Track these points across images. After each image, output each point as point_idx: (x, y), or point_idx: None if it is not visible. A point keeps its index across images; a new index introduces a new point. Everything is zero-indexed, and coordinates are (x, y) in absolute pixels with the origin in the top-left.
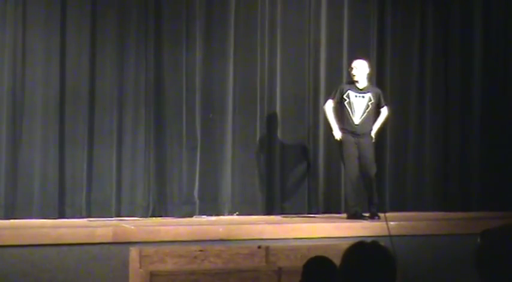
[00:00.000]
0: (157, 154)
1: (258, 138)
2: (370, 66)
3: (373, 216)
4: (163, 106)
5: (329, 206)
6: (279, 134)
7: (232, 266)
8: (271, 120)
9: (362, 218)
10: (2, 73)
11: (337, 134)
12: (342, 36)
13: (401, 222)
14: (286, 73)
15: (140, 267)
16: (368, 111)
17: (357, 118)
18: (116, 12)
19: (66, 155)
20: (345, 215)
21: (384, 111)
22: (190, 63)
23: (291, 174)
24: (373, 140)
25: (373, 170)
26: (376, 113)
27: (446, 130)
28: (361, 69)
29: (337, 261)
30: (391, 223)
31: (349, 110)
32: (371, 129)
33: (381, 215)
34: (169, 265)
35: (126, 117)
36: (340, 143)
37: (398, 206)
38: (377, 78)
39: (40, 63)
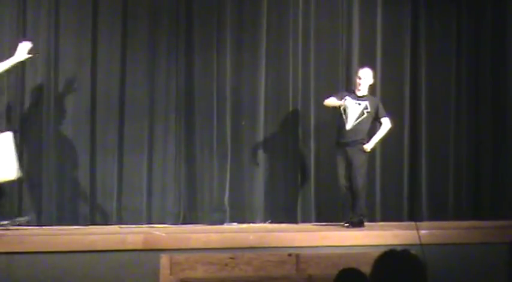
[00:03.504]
0: (188, 161)
1: (290, 146)
2: (374, 76)
3: (352, 225)
4: (194, 113)
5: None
6: (312, 141)
7: (263, 274)
8: (304, 128)
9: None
10: (36, 79)
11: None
12: (375, 43)
13: (433, 231)
14: (319, 80)
15: (171, 274)
16: (362, 119)
17: (349, 124)
18: (147, 19)
19: (97, 162)
20: (375, 223)
21: (385, 123)
22: (222, 71)
23: (324, 182)
24: (367, 151)
25: (358, 179)
26: (373, 124)
27: (480, 137)
28: (367, 79)
29: (367, 269)
30: (422, 232)
31: (343, 116)
32: (362, 138)
33: (412, 223)
34: (199, 272)
35: (156, 124)
36: None
37: (434, 214)
38: (411, 85)
39: (72, 70)
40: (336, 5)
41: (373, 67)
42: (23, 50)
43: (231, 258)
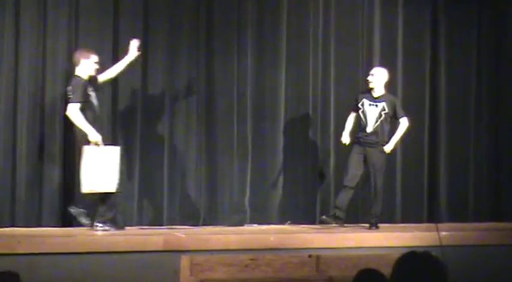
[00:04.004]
0: (208, 163)
1: (310, 147)
2: (389, 75)
3: (371, 227)
4: (215, 114)
5: (382, 215)
6: (331, 143)
7: (283, 275)
8: (323, 129)
9: (336, 222)
10: (56, 82)
11: (345, 139)
12: (396, 45)
13: (453, 232)
14: (339, 82)
15: (191, 275)
16: (381, 121)
17: (369, 127)
18: (168, 20)
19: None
20: (396, 225)
21: (403, 122)
22: (242, 72)
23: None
24: (387, 152)
25: (379, 181)
26: (392, 123)
27: (499, 139)
28: (377, 77)
29: (388, 271)
30: (443, 233)
31: (363, 118)
32: (383, 140)
33: (432, 225)
34: (220, 273)
35: (177, 126)
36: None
37: (454, 216)
38: (430, 88)
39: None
40: (356, 7)
41: (393, 68)
42: (133, 48)
43: (251, 259)
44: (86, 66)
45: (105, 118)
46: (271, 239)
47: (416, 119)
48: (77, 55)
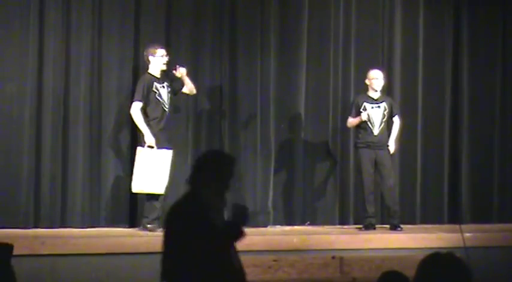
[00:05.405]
0: None
1: (330, 148)
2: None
3: (394, 228)
4: (238, 115)
5: (403, 217)
6: (351, 144)
7: (307, 276)
8: (344, 130)
9: (374, 228)
10: (79, 83)
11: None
12: (417, 46)
13: (477, 234)
14: (359, 83)
15: None
16: (385, 121)
17: (376, 129)
18: (191, 22)
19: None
20: (419, 226)
21: (396, 121)
22: (265, 73)
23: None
24: (391, 152)
25: (391, 180)
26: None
27: None
28: (381, 80)
29: (412, 272)
30: (467, 234)
31: (369, 122)
32: (387, 141)
33: (454, 226)
34: None
35: (201, 125)
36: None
37: (477, 217)
38: (452, 88)
39: (114, 74)
40: (377, 8)
41: (415, 68)
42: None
43: (275, 260)
44: (155, 62)
45: (127, 117)
46: (295, 240)
47: (437, 118)
48: (145, 54)
